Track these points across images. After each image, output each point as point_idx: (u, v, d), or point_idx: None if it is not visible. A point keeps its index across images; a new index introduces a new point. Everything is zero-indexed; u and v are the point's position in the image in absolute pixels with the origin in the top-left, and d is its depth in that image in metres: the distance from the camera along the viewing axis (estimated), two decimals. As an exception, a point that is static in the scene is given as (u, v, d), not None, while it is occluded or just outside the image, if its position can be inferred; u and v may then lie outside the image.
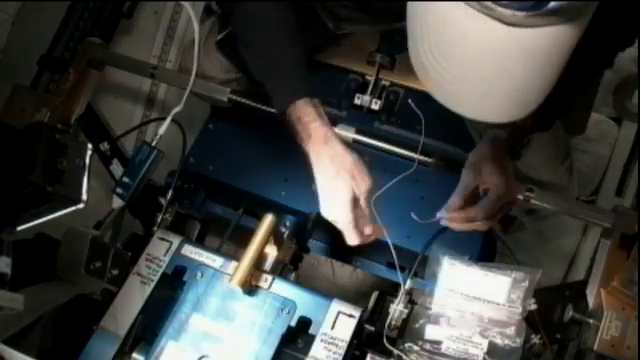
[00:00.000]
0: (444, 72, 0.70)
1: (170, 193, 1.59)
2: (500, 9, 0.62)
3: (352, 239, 1.29)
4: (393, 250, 1.45)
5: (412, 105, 1.55)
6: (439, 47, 0.69)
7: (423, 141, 1.55)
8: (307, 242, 1.63)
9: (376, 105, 1.87)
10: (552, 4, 0.61)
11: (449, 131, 1.74)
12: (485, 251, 1.68)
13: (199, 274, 1.36)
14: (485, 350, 1.32)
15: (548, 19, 0.63)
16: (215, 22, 1.80)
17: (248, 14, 1.33)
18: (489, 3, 0.62)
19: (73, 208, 1.65)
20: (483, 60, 0.67)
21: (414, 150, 1.54)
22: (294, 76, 1.29)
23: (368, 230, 1.31)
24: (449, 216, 1.30)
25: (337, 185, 1.24)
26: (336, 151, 1.25)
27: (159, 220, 1.57)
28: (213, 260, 1.38)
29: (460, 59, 0.69)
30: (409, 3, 0.74)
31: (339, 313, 1.30)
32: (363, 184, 1.25)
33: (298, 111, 1.25)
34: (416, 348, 1.34)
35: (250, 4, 1.33)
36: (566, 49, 0.69)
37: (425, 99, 1.62)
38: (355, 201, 1.26)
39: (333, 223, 1.28)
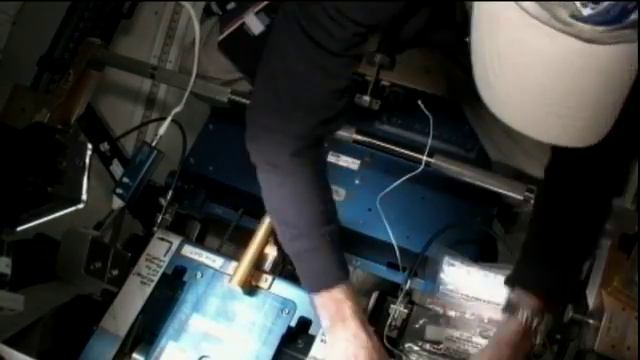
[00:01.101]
0: (521, 96, 0.67)
1: (170, 193, 1.60)
2: (580, 24, 0.60)
3: None
4: (397, 250, 1.46)
5: (422, 107, 1.56)
6: (513, 70, 0.66)
7: (421, 141, 1.55)
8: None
9: (376, 105, 1.87)
10: (633, 17, 0.60)
11: (450, 132, 1.74)
12: (485, 252, 1.68)
13: (199, 274, 1.36)
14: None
15: (625, 35, 0.62)
16: (216, 23, 1.80)
17: (272, 179, 1.18)
18: (569, 19, 0.60)
19: (73, 208, 1.65)
20: (561, 81, 0.64)
21: (414, 150, 1.53)
22: (333, 258, 1.18)
23: None
24: None
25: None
26: (369, 339, 1.18)
27: (159, 220, 1.57)
28: (213, 260, 1.38)
29: (536, 81, 0.65)
30: (474, 27, 0.70)
31: (339, 313, 1.30)
32: None
33: (336, 293, 1.17)
34: (416, 348, 1.34)
35: (271, 169, 1.17)
36: (635, 69, 0.67)
37: (425, 100, 1.64)
38: None
39: None
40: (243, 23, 1.73)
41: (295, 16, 1.01)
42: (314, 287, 1.19)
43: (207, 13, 1.83)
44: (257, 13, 1.72)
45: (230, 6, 1.77)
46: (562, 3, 0.59)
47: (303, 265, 1.20)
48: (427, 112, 1.56)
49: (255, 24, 1.72)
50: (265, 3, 1.72)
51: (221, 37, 1.75)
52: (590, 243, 1.23)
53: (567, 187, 1.13)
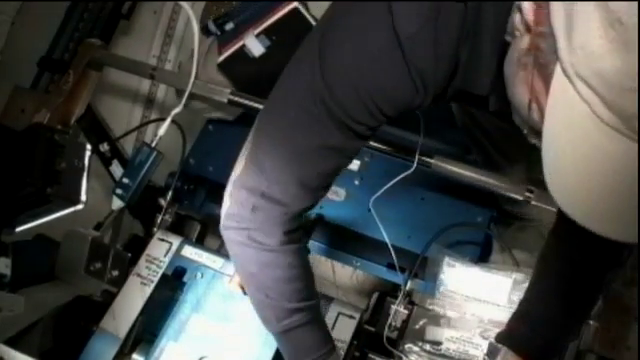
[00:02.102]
0: (586, 191, 0.67)
1: (170, 194, 1.60)
2: None
3: None
4: (392, 251, 1.45)
5: None
6: (582, 167, 0.65)
7: (423, 142, 1.55)
8: (307, 243, 1.63)
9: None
10: None
11: (450, 132, 1.74)
12: (484, 251, 1.69)
13: (199, 275, 1.36)
14: (485, 351, 1.32)
15: None
16: (213, 43, 1.79)
17: (260, 259, 1.09)
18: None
19: (72, 209, 1.64)
20: (630, 180, 0.64)
21: (413, 151, 1.53)
22: (325, 329, 1.18)
23: None
24: None
25: None
26: None
27: (159, 221, 1.57)
28: (213, 261, 1.38)
29: (605, 180, 0.65)
30: (548, 123, 0.68)
31: (339, 314, 1.31)
32: None
33: None
34: (416, 349, 1.34)
35: (248, 251, 1.09)
36: None
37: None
38: None
39: None
40: (243, 45, 1.73)
41: (323, 98, 0.91)
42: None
43: (204, 33, 1.82)
44: (257, 35, 1.72)
45: (229, 27, 1.77)
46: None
47: (295, 342, 1.15)
48: (417, 111, 1.55)
49: (255, 46, 1.72)
50: (265, 25, 1.72)
51: (221, 58, 1.75)
52: (583, 314, 1.21)
53: (567, 257, 1.13)
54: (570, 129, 0.64)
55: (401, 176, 1.46)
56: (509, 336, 1.18)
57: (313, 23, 1.73)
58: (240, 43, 1.74)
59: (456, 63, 0.87)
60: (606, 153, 0.63)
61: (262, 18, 1.73)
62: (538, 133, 0.69)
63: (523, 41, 0.71)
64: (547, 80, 0.66)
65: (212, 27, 1.77)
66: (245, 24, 1.75)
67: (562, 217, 1.14)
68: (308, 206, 1.05)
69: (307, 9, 1.73)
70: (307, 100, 0.93)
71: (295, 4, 1.71)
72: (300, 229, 1.11)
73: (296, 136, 0.97)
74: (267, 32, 1.71)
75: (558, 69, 0.63)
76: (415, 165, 1.47)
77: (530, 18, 0.68)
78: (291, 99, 0.97)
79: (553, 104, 0.66)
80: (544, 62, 0.67)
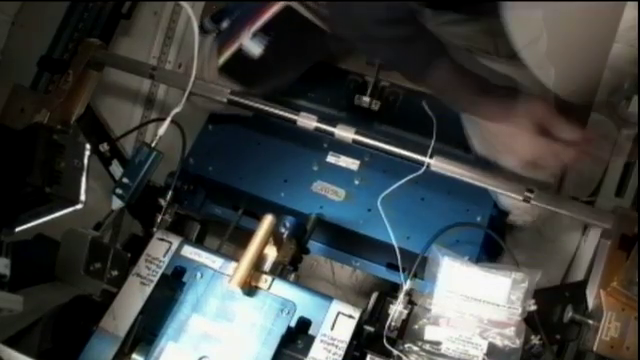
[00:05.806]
0: None
1: (170, 194, 1.60)
2: None
3: None
4: (397, 250, 1.46)
5: (426, 108, 1.56)
6: None
7: (420, 141, 1.56)
8: (307, 243, 1.63)
9: (376, 106, 1.88)
10: None
11: (449, 132, 1.74)
12: (487, 251, 1.68)
13: (199, 275, 1.35)
14: (485, 351, 1.32)
15: None
16: (213, 44, 1.77)
17: None
18: None
19: (71, 209, 1.64)
20: None
21: (414, 151, 1.53)
22: None
23: None
24: None
25: None
26: None
27: (159, 221, 1.57)
28: (213, 261, 1.38)
29: None
30: None
31: (339, 314, 1.30)
32: None
33: None
34: (416, 349, 1.34)
35: None
36: None
37: (423, 99, 1.64)
38: None
39: None
40: (241, 45, 1.71)
41: None
42: None
43: (202, 32, 1.79)
44: (254, 35, 1.69)
45: (225, 24, 1.75)
46: None
47: None
48: (431, 113, 1.56)
49: (253, 47, 1.68)
50: (259, 23, 1.69)
51: (222, 60, 1.73)
52: None
53: None
54: None
55: (410, 177, 1.47)
56: None
57: (309, 17, 1.69)
58: (238, 43, 1.72)
59: None
60: None
61: (256, 15, 1.69)
62: None
63: None
64: None
65: (208, 25, 1.76)
66: (240, 22, 1.72)
67: None
68: None
69: (302, 2, 1.68)
70: None
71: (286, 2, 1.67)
72: None
73: None
74: (263, 30, 1.68)
75: None
76: (425, 167, 1.48)
77: None
78: None
79: None
80: None
